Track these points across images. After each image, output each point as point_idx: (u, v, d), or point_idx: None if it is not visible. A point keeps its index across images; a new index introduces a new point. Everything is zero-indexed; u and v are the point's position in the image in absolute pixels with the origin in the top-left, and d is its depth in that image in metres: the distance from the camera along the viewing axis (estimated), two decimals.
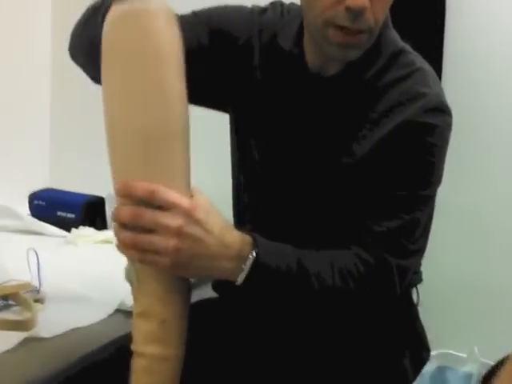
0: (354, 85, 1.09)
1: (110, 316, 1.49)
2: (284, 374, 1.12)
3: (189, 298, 0.98)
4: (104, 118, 0.92)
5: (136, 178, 0.88)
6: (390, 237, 1.05)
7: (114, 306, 1.52)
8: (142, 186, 0.88)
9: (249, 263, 0.94)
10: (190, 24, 1.14)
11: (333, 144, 1.10)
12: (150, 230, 0.89)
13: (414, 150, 1.05)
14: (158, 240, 0.89)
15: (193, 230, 0.89)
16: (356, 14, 0.99)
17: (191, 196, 0.92)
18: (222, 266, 0.94)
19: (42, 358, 1.29)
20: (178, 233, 0.88)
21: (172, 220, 0.88)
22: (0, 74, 2.07)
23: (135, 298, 0.97)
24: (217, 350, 1.17)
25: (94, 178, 2.16)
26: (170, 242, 0.88)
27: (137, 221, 0.89)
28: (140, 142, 0.90)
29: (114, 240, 1.67)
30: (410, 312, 1.23)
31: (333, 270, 1.01)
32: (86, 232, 1.85)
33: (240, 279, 0.95)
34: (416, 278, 1.23)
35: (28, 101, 2.22)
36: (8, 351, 1.25)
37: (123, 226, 0.91)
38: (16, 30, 2.14)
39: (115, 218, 0.91)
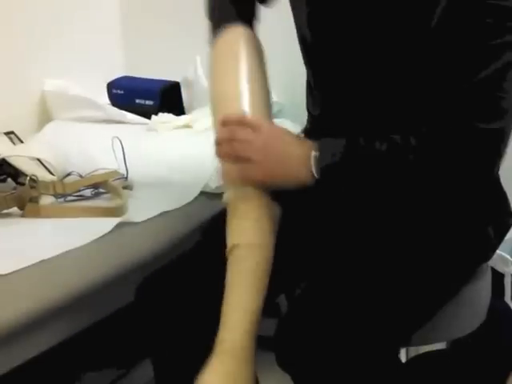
0: None
1: (196, 198, 1.54)
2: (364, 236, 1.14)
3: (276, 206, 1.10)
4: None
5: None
6: (475, 93, 1.00)
7: (199, 189, 1.56)
8: (233, 116, 1.09)
9: (315, 151, 1.03)
10: None
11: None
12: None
13: None
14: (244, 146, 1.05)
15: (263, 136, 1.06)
16: None
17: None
18: (297, 171, 1.05)
19: (135, 242, 1.34)
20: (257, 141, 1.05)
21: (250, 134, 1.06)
22: None
23: (233, 206, 1.09)
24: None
25: (168, 63, 2.17)
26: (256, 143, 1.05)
27: (231, 136, 1.07)
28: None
29: (194, 124, 1.72)
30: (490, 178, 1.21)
31: (400, 140, 1.02)
32: (165, 118, 1.87)
33: (315, 168, 1.02)
34: None
35: None
36: (103, 236, 1.31)
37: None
38: None
39: (217, 142, 1.09)
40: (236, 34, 1.22)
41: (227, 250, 1.04)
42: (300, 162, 1.04)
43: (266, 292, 1.02)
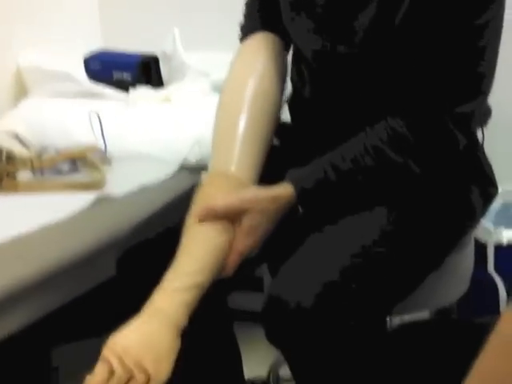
0: None
1: (176, 172, 1.52)
2: None
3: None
4: None
5: None
6: (443, 80, 1.03)
7: (179, 163, 1.54)
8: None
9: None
10: None
11: None
12: None
13: None
14: None
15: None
16: None
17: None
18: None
19: (114, 216, 1.33)
20: None
21: None
22: None
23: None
24: None
25: (146, 36, 2.14)
26: None
27: None
28: None
29: (173, 98, 1.69)
30: (474, 149, 1.21)
31: (367, 151, 1.06)
32: (143, 92, 1.84)
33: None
34: (482, 119, 1.21)
35: None
36: (81, 211, 1.29)
37: None
38: None
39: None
40: (255, 42, 1.23)
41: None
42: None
43: (220, 263, 1.02)
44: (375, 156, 1.06)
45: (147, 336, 0.92)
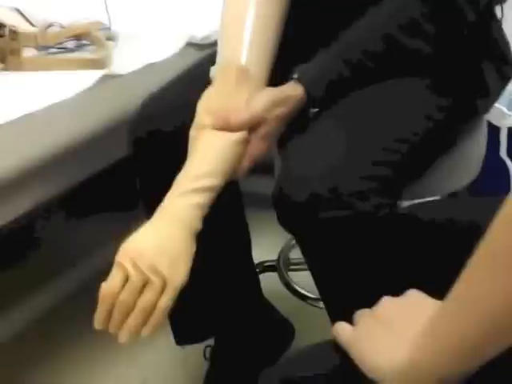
0: None
1: (182, 49, 1.48)
2: None
3: None
4: None
5: None
6: None
7: (185, 40, 1.50)
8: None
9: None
10: None
11: None
12: None
13: None
14: None
15: None
16: None
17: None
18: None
19: (121, 94, 1.31)
20: None
21: None
22: None
23: None
24: None
25: None
26: None
27: None
28: None
29: None
30: (490, 26, 1.17)
31: (378, 38, 1.04)
32: None
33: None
34: None
35: None
36: (87, 89, 1.26)
37: None
38: None
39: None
40: None
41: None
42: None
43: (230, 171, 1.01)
44: (387, 42, 1.04)
45: (160, 240, 0.91)
